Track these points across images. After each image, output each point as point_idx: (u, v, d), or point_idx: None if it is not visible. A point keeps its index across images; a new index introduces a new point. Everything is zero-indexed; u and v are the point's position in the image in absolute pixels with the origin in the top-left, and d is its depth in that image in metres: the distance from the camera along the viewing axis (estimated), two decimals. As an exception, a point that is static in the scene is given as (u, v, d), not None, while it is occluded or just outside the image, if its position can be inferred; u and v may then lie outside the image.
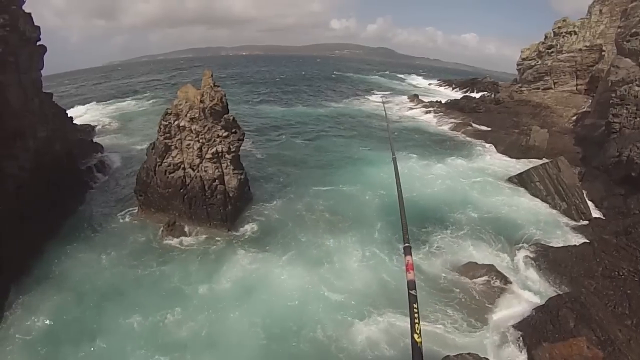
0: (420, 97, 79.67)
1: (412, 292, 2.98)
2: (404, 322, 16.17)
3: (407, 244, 3.49)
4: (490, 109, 61.55)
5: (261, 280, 21.20)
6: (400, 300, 18.55)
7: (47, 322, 17.98)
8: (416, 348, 2.62)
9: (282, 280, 21.24)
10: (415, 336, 2.66)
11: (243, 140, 27.98)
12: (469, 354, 14.98)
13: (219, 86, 27.19)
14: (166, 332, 17.54)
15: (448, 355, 14.90)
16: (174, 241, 24.79)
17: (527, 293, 20.12)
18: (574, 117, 50.23)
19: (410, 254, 3.35)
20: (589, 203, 29.25)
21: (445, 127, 56.02)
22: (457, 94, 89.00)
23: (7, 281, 19.57)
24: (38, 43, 28.20)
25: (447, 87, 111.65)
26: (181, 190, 26.46)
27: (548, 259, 22.38)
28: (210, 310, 18.97)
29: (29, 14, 26.85)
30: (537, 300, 19.01)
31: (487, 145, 46.11)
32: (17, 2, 25.58)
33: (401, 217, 3.90)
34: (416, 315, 2.78)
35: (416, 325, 2.72)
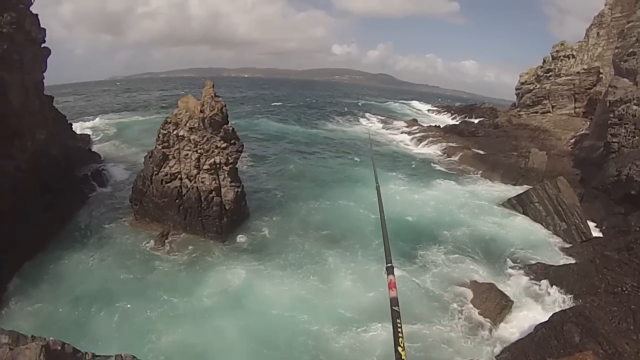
0: (419, 122, 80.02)
1: (395, 308, 3.02)
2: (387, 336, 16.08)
3: (389, 265, 3.60)
4: (489, 133, 61.72)
5: (252, 292, 21.01)
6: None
7: (32, 324, 17.54)
8: None
9: (273, 293, 21.01)
10: (400, 349, 2.71)
11: (242, 152, 27.84)
12: (475, 361, 14.84)
13: (219, 97, 27.07)
14: (152, 340, 17.26)
15: (455, 361, 14.90)
16: (167, 251, 24.53)
17: (528, 311, 19.90)
18: (573, 140, 50.45)
19: (393, 274, 3.41)
20: (589, 223, 28.99)
21: (444, 151, 55.95)
22: (456, 121, 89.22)
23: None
24: (43, 45, 28.29)
25: (445, 112, 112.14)
26: (177, 201, 26.23)
27: (549, 277, 22.12)
28: (199, 320, 18.77)
29: (36, 15, 27.10)
30: (540, 318, 18.58)
31: (486, 168, 45.93)
32: (25, 2, 25.73)
33: (384, 240, 4.05)
34: (399, 329, 2.83)
35: (400, 339, 2.76)
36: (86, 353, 7.80)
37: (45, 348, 6.86)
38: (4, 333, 7.32)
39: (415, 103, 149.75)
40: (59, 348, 7.46)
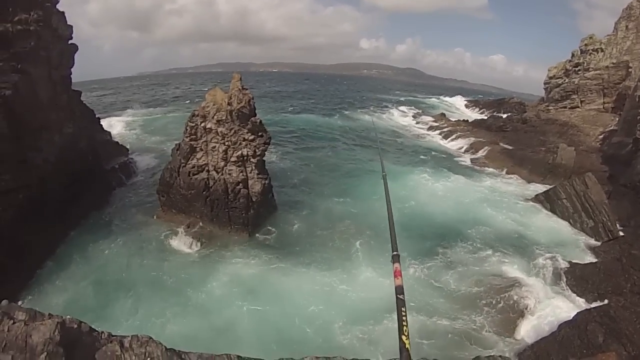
0: (447, 116, 79.36)
1: (400, 296, 3.01)
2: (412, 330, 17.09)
3: (395, 252, 3.60)
4: (517, 128, 60.74)
5: (270, 286, 21.29)
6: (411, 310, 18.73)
7: (56, 301, 18.90)
8: (404, 349, 2.68)
9: (291, 287, 21.27)
10: (404, 337, 2.73)
11: (269, 144, 27.99)
12: (500, 356, 15.17)
13: (247, 89, 27.25)
14: (159, 326, 17.86)
15: (479, 356, 15.15)
16: (191, 243, 24.89)
17: (553, 309, 19.53)
18: (601, 136, 49.40)
19: (399, 262, 3.45)
20: (616, 221, 28.53)
21: (471, 145, 55.41)
22: (484, 115, 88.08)
23: (27, 265, 20.59)
24: (70, 41, 28.83)
25: (474, 107, 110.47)
26: (204, 193, 26.51)
27: (575, 275, 21.87)
28: (210, 310, 19.29)
29: (63, 12, 27.74)
30: (564, 316, 18.35)
31: (513, 163, 45.51)
32: (51, 0, 26.27)
33: (390, 227, 4.02)
34: (404, 317, 2.85)
35: (404, 328, 2.78)
36: (102, 332, 7.95)
37: (60, 325, 7.07)
38: (20, 310, 7.51)
39: (444, 99, 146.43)
40: (75, 326, 7.62)
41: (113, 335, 7.96)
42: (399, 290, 3.07)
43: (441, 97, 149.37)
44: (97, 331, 7.88)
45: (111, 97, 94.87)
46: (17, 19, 22.85)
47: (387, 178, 5.51)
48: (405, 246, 24.39)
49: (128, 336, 8.02)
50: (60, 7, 27.69)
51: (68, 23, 28.56)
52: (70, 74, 29.76)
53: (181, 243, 24.86)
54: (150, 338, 8.10)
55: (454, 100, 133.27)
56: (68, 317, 7.70)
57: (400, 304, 2.94)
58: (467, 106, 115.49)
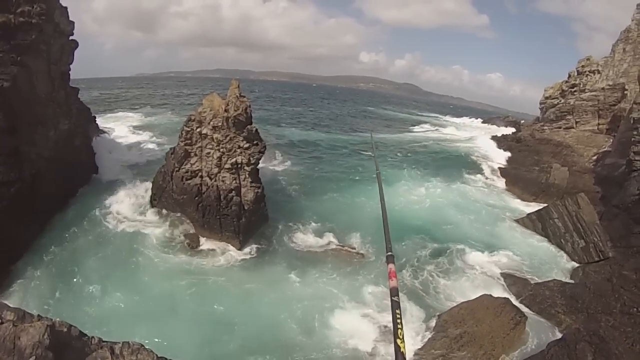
0: (446, 132, 79.86)
1: (395, 298, 3.00)
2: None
3: (389, 253, 3.52)
4: (511, 147, 61.03)
5: (257, 301, 21.24)
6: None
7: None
8: (399, 352, 2.63)
9: (279, 302, 21.26)
10: (398, 341, 2.69)
11: (264, 153, 27.99)
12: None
13: (244, 96, 27.25)
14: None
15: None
16: (179, 246, 25.02)
17: (542, 328, 19.61)
18: (595, 157, 49.52)
19: (393, 263, 3.39)
20: (608, 242, 28.58)
21: (466, 161, 55.71)
22: (480, 132, 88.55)
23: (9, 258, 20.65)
24: (71, 37, 28.81)
25: (470, 124, 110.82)
26: (196, 198, 26.47)
27: (565, 295, 21.96)
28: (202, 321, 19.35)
29: (66, 7, 27.73)
30: (553, 335, 18.48)
31: (506, 182, 45.91)
32: (55, -6, 26.38)
33: (384, 227, 4.02)
34: (399, 320, 2.81)
35: (399, 331, 2.74)
36: (92, 337, 7.84)
37: (50, 328, 6.96)
38: (9, 309, 7.36)
39: (441, 116, 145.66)
40: (65, 330, 7.50)
41: (104, 341, 7.85)
42: (394, 292, 3.05)
43: (437, 114, 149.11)
44: (87, 336, 7.77)
45: (108, 96, 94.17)
46: (19, 10, 22.80)
47: (386, 186, 5.43)
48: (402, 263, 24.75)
49: (119, 343, 7.91)
50: (63, 1, 27.79)
51: (70, 19, 28.60)
52: (69, 70, 29.70)
53: (170, 246, 24.89)
54: (142, 345, 8.01)
55: (444, 118, 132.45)
56: (58, 320, 7.59)
57: (395, 306, 2.92)
58: (464, 123, 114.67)
